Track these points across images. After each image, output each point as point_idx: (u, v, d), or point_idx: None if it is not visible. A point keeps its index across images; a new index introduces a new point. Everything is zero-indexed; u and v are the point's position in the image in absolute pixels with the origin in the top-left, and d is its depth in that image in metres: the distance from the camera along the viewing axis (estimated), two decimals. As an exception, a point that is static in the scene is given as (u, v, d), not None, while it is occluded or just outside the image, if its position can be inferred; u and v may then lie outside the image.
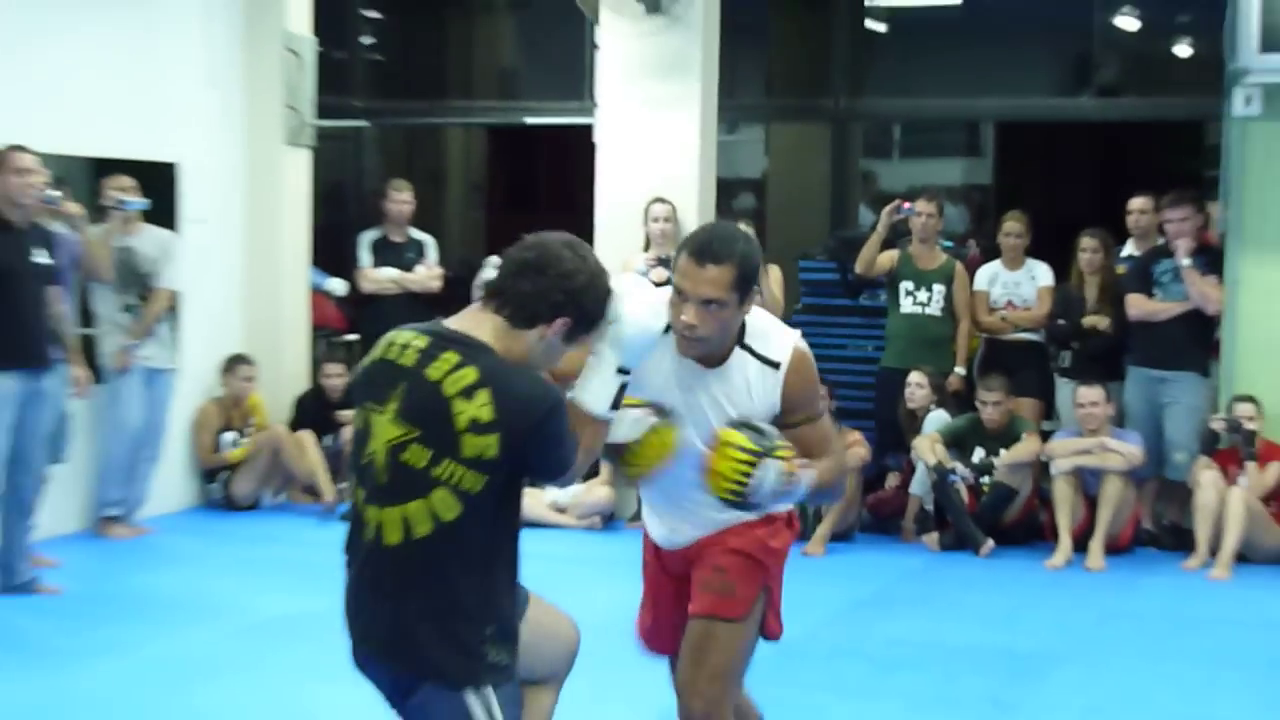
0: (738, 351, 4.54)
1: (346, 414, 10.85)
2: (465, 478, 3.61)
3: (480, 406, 3.59)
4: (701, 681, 4.52)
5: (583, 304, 3.78)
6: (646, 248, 10.63)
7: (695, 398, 4.53)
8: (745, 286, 4.46)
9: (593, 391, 3.89)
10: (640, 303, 4.07)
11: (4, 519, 8.62)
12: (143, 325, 10.02)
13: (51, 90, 9.84)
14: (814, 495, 4.54)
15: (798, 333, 4.69)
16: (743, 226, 10.46)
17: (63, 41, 10.00)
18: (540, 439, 3.69)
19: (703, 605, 4.58)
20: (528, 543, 4.12)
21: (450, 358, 3.66)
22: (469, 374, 3.63)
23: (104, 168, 10.25)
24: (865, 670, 7.58)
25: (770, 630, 4.73)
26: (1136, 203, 10.40)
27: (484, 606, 3.77)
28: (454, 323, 3.80)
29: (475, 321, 3.76)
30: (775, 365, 4.53)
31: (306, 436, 11.15)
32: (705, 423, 4.49)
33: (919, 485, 10.41)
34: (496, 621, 3.79)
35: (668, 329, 4.46)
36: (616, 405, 3.95)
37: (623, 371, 3.97)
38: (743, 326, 4.57)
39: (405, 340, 3.77)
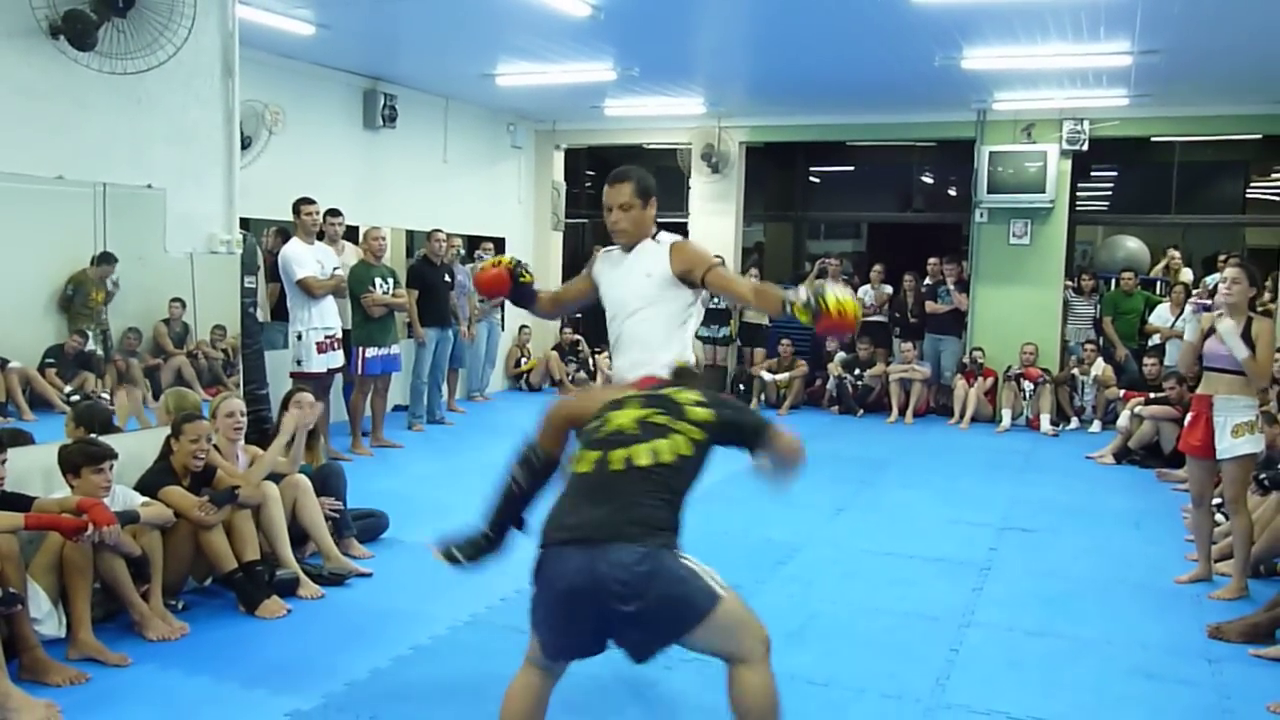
0: (646, 241, 3.51)
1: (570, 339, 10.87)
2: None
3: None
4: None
5: None
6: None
7: (621, 270, 3.54)
8: (645, 194, 3.48)
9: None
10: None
11: (430, 393, 8.83)
12: (486, 309, 10.08)
13: (452, 205, 10.04)
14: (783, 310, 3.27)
15: (693, 240, 3.61)
16: (754, 272, 10.80)
17: (453, 183, 10.21)
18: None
19: None
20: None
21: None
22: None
23: (474, 239, 10.55)
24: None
25: None
26: (932, 261, 10.40)
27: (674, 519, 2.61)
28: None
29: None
30: (660, 243, 3.50)
31: (555, 358, 11.18)
32: (627, 283, 3.52)
33: (830, 385, 10.47)
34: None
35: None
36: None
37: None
38: (656, 233, 3.54)
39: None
